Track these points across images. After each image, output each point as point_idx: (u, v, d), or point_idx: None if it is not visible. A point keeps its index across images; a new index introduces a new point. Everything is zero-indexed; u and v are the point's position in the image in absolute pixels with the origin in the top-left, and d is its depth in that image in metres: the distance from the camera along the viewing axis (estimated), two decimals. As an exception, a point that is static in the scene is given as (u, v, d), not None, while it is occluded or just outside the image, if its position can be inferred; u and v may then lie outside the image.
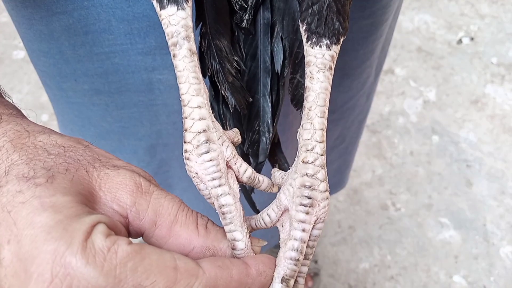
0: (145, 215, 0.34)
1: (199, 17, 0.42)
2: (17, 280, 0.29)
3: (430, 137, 1.82)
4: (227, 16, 0.42)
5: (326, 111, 0.37)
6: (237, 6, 0.42)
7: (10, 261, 0.29)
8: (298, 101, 0.43)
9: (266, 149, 0.45)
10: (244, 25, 0.42)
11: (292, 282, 0.35)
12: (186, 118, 0.36)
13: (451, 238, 1.61)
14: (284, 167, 0.48)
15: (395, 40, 2.06)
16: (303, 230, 0.35)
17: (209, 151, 0.35)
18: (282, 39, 0.43)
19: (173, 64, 0.54)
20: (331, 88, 0.38)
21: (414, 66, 2.02)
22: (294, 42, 0.42)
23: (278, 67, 0.43)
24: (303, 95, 0.38)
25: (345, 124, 0.78)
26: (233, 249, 0.36)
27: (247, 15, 0.42)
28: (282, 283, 0.35)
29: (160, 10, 0.36)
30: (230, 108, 0.42)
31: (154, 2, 0.37)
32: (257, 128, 0.45)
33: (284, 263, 0.35)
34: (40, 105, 1.87)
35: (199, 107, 0.36)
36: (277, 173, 0.40)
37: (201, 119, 0.36)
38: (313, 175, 0.36)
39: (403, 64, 2.03)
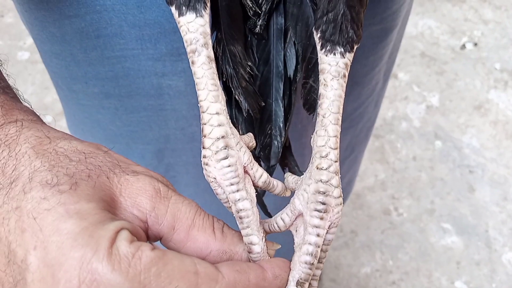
0: (164, 220, 0.35)
1: (214, 23, 0.42)
2: (45, 285, 0.30)
3: (433, 142, 1.83)
4: (241, 21, 0.43)
5: (340, 118, 0.38)
6: (251, 12, 0.42)
7: (37, 266, 0.30)
8: (310, 106, 0.43)
9: (277, 152, 0.46)
10: (257, 31, 0.43)
11: (306, 285, 0.36)
12: (205, 124, 0.37)
13: (453, 244, 1.61)
14: (295, 170, 0.49)
15: (399, 45, 2.06)
16: (318, 235, 0.36)
17: (227, 157, 0.36)
18: (295, 44, 0.44)
19: (182, 71, 0.55)
20: None
21: (417, 71, 2.02)
22: (307, 48, 0.43)
23: (290, 72, 0.44)
24: (316, 100, 0.39)
25: (354, 133, 0.78)
26: (249, 252, 0.37)
27: (260, 20, 0.43)
28: (297, 287, 0.36)
29: (179, 17, 0.37)
30: (244, 113, 0.42)
31: (173, 9, 0.37)
32: (269, 132, 0.45)
33: (299, 267, 0.36)
34: (44, 106, 1.87)
35: (217, 113, 0.36)
36: (290, 177, 0.41)
37: (219, 125, 0.36)
38: (327, 181, 0.36)
39: (406, 69, 2.03)
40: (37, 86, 1.96)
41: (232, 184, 0.36)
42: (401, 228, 1.64)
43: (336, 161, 0.37)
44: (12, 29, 2.15)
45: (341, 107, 0.38)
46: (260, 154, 0.46)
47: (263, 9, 0.42)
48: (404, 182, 1.73)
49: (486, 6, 2.22)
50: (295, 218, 0.38)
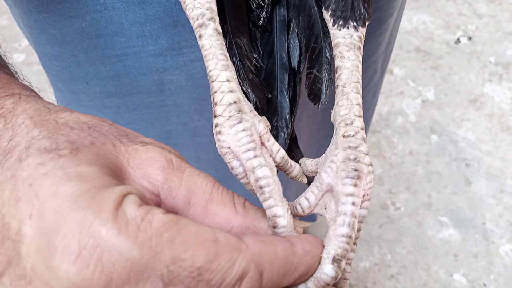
0: (178, 193, 0.31)
1: (220, 16, 0.42)
2: (40, 256, 0.26)
3: (429, 136, 1.83)
4: (245, 15, 0.43)
5: (360, 88, 0.36)
6: (254, 4, 0.42)
7: (32, 236, 0.26)
8: (315, 96, 0.43)
9: (284, 144, 0.45)
10: (261, 23, 0.43)
11: (343, 263, 0.32)
12: (215, 92, 0.34)
13: (450, 237, 1.61)
14: None
15: (393, 40, 2.07)
16: (353, 204, 0.33)
17: (241, 121, 0.33)
18: (298, 34, 0.44)
19: (183, 64, 0.55)
20: None
21: (412, 66, 2.03)
22: (310, 37, 0.43)
23: (294, 63, 0.44)
24: (320, 89, 0.39)
25: None
26: (274, 227, 0.32)
27: (264, 13, 0.43)
28: (333, 264, 0.31)
29: None
30: (251, 104, 0.42)
31: None
32: (275, 124, 0.45)
33: (335, 242, 0.32)
34: (40, 106, 1.86)
35: (228, 80, 0.34)
36: (308, 161, 0.38)
37: (230, 91, 0.34)
38: (356, 147, 0.34)
39: (401, 64, 2.03)
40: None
41: (248, 150, 0.33)
42: (398, 222, 1.65)
43: (362, 128, 0.35)
44: (7, 31, 2.14)
45: (360, 77, 0.36)
46: None
47: (266, 1, 0.42)
48: (401, 177, 1.74)
49: (480, 0, 2.23)
50: (321, 196, 0.34)
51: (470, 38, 2.11)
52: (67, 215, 0.26)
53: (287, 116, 0.44)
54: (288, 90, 0.44)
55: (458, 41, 2.11)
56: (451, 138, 1.82)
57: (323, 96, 0.41)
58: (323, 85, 0.41)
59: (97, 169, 0.28)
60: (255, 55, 0.43)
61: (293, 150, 0.48)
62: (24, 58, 2.05)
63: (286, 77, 0.44)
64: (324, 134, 0.75)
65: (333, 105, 0.39)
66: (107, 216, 0.26)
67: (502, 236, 1.61)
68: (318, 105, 0.42)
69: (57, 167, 0.28)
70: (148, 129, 0.65)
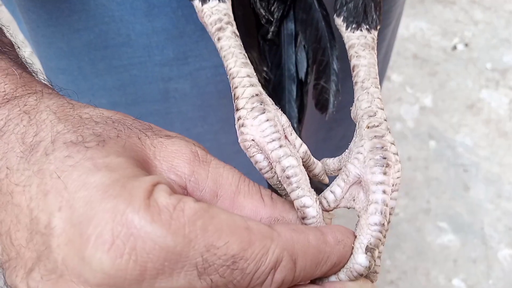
0: (205, 185, 0.31)
1: None
2: (72, 248, 0.26)
3: (427, 142, 1.85)
4: (254, 29, 0.44)
5: (379, 84, 0.37)
6: (264, 19, 0.44)
7: (63, 229, 0.26)
8: (322, 105, 0.44)
9: None
10: (269, 37, 0.44)
11: (377, 252, 0.32)
12: (237, 87, 0.34)
13: (449, 242, 1.62)
14: None
15: (391, 47, 2.08)
16: (384, 192, 0.32)
17: (265, 111, 0.33)
18: (305, 47, 0.45)
19: (188, 73, 0.56)
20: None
21: (410, 73, 2.04)
22: (317, 50, 0.44)
23: (302, 75, 0.45)
24: (328, 100, 0.40)
25: (349, 126, 0.80)
26: (303, 218, 0.32)
27: (273, 27, 0.44)
28: (366, 253, 0.31)
29: (202, 5, 0.37)
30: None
31: (196, 2, 0.38)
32: None
33: (368, 231, 0.31)
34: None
35: (248, 76, 0.34)
36: (329, 160, 0.37)
37: (251, 85, 0.34)
38: (382, 136, 0.34)
39: (399, 71, 2.05)
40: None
41: (273, 140, 0.32)
42: (397, 228, 1.66)
43: (385, 120, 0.35)
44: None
45: (377, 74, 0.37)
46: None
47: (275, 16, 0.43)
48: (400, 182, 1.75)
49: (476, 7, 2.25)
50: (348, 189, 0.34)
51: (466, 45, 2.13)
52: (98, 205, 0.26)
53: (295, 126, 0.45)
54: (296, 101, 0.45)
55: (455, 47, 2.13)
56: (449, 143, 1.84)
57: (330, 106, 0.42)
58: (331, 96, 0.42)
59: (125, 160, 0.28)
60: (264, 68, 0.44)
61: None
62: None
63: (294, 88, 0.45)
64: (322, 136, 0.75)
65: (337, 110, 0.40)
66: (139, 204, 0.26)
67: (501, 241, 1.62)
68: (326, 114, 0.43)
69: (85, 158, 0.27)
70: None
